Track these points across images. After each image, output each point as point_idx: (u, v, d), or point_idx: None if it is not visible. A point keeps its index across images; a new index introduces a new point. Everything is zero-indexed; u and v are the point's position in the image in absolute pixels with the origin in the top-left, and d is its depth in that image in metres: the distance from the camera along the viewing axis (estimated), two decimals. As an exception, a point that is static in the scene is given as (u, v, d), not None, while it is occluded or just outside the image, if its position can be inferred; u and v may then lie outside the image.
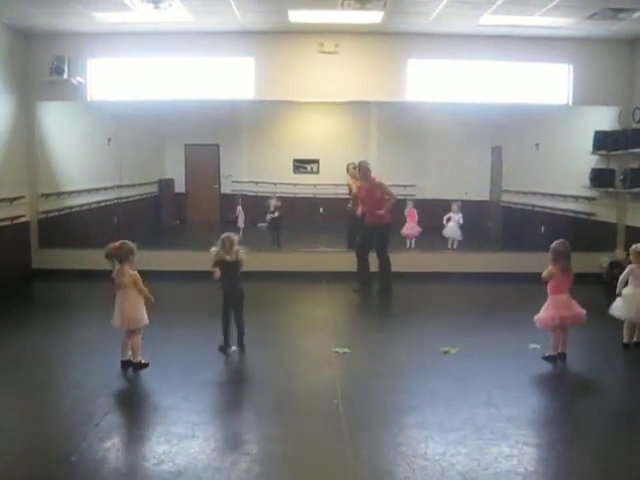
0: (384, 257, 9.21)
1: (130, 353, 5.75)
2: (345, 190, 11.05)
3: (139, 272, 5.82)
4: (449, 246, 11.88)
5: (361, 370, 5.89)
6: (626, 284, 6.44)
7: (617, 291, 6.46)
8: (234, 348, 6.24)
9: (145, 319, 5.71)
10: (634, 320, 6.42)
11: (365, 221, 9.24)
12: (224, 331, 6.23)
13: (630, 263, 6.48)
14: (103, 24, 9.29)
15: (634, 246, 6.46)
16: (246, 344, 6.28)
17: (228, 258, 6.14)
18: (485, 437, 4.33)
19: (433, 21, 9.18)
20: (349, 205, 10.33)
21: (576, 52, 10.02)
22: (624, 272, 6.47)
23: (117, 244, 5.67)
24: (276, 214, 11.68)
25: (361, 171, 9.25)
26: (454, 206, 12.04)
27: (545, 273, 6.03)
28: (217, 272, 6.13)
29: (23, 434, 4.51)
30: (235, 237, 6.24)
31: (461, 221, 11.93)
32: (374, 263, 9.24)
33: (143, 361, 5.74)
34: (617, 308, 6.43)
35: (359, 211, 9.54)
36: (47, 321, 7.63)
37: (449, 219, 12.01)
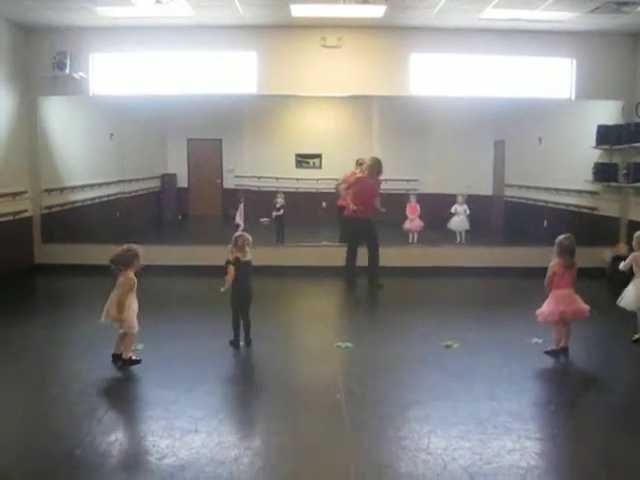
0: (377, 250, 9.18)
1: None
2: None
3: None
4: (457, 240, 11.88)
5: (363, 364, 5.90)
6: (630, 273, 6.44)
7: (622, 267, 6.45)
8: (242, 343, 6.26)
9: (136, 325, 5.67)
10: None
11: (356, 214, 9.12)
12: (234, 327, 6.26)
13: (632, 251, 6.47)
14: (105, 19, 9.29)
15: (638, 233, 6.42)
16: (252, 338, 6.30)
17: (241, 257, 6.15)
18: (487, 431, 4.34)
19: (435, 15, 9.16)
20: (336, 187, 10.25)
21: (579, 46, 10.00)
22: (627, 259, 6.45)
23: (123, 249, 5.65)
24: (281, 212, 11.65)
25: (374, 168, 9.12)
26: (459, 198, 12.05)
27: (547, 277, 6.02)
28: (231, 272, 6.13)
29: (27, 428, 4.52)
30: (246, 237, 6.23)
31: (467, 212, 11.94)
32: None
33: (133, 357, 5.73)
34: (625, 299, 6.40)
35: (342, 202, 9.47)
36: (50, 316, 7.65)
37: (455, 212, 12.02)
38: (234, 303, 6.24)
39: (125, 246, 5.69)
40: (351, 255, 9.29)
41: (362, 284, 9.24)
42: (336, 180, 10.98)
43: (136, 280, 5.64)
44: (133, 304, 5.65)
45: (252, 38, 9.96)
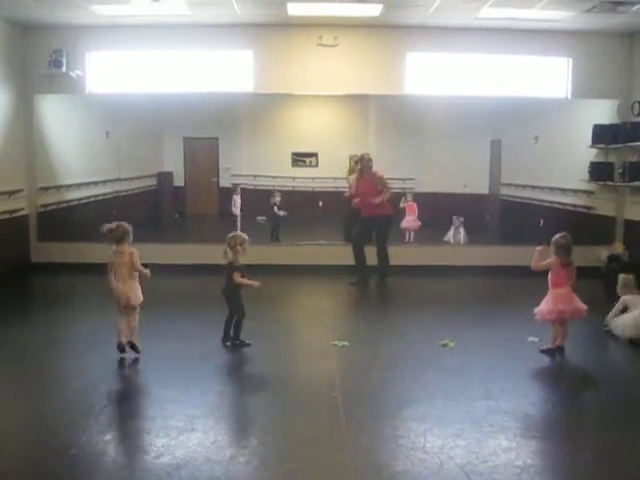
0: (384, 250, 9.22)
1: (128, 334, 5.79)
2: (344, 183, 11.00)
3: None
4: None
5: (360, 363, 5.89)
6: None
7: (609, 317, 6.70)
8: (228, 344, 6.27)
9: (140, 297, 5.80)
10: None
11: (364, 214, 9.22)
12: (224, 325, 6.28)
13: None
14: (101, 17, 9.27)
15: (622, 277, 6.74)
16: (239, 343, 6.25)
17: (223, 260, 6.14)
18: (484, 430, 4.34)
19: (432, 14, 9.17)
20: (346, 194, 10.26)
21: (575, 45, 10.01)
22: (618, 304, 6.69)
23: (113, 225, 5.78)
24: (282, 213, 11.64)
25: (364, 164, 9.21)
26: (456, 221, 11.97)
27: (545, 264, 6.03)
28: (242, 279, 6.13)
29: (23, 427, 4.52)
30: (239, 237, 6.16)
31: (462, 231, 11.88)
32: (370, 256, 9.27)
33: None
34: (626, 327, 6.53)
35: (356, 204, 9.51)
36: (46, 314, 7.62)
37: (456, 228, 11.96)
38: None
39: (115, 224, 5.80)
40: (361, 254, 9.31)
41: (363, 283, 9.27)
42: (333, 179, 11.03)
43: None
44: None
45: (248, 37, 9.96)
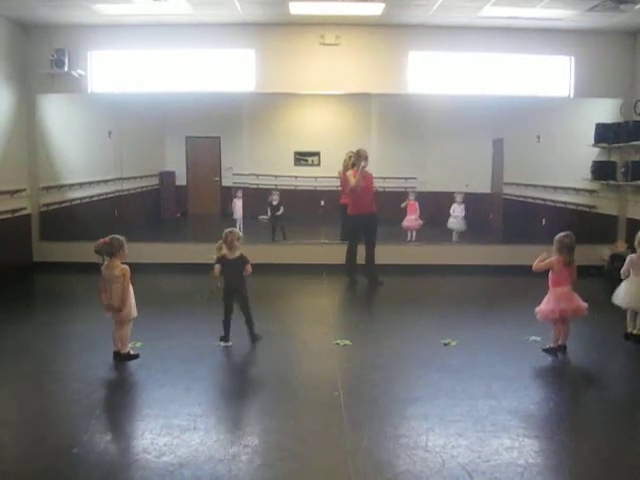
0: (374, 247, 9.19)
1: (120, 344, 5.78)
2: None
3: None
4: (454, 239, 11.87)
5: (362, 362, 5.89)
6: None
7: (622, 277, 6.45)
8: (230, 344, 6.25)
9: (133, 312, 5.75)
10: (634, 308, 6.41)
11: (355, 211, 9.14)
12: (224, 323, 6.29)
13: (633, 252, 6.45)
14: (103, 16, 9.27)
15: None
16: (256, 335, 6.34)
17: (228, 255, 6.16)
18: (486, 429, 4.34)
19: (434, 13, 9.16)
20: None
21: (578, 44, 10.00)
22: (624, 264, 6.45)
23: (107, 239, 5.73)
24: (281, 210, 11.61)
25: (363, 158, 9.05)
26: (458, 197, 12.03)
27: (543, 264, 6.03)
28: (217, 269, 6.17)
29: (25, 427, 4.52)
30: (238, 232, 6.29)
31: (463, 212, 11.91)
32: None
33: (132, 352, 5.80)
34: (618, 296, 6.42)
35: (345, 200, 9.46)
36: (48, 314, 7.64)
37: (452, 212, 12.01)
38: (224, 300, 6.28)
39: (109, 237, 5.75)
40: (352, 252, 9.29)
41: (362, 281, 9.26)
42: (335, 178, 10.99)
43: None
44: (131, 292, 5.77)
45: (251, 36, 9.96)
